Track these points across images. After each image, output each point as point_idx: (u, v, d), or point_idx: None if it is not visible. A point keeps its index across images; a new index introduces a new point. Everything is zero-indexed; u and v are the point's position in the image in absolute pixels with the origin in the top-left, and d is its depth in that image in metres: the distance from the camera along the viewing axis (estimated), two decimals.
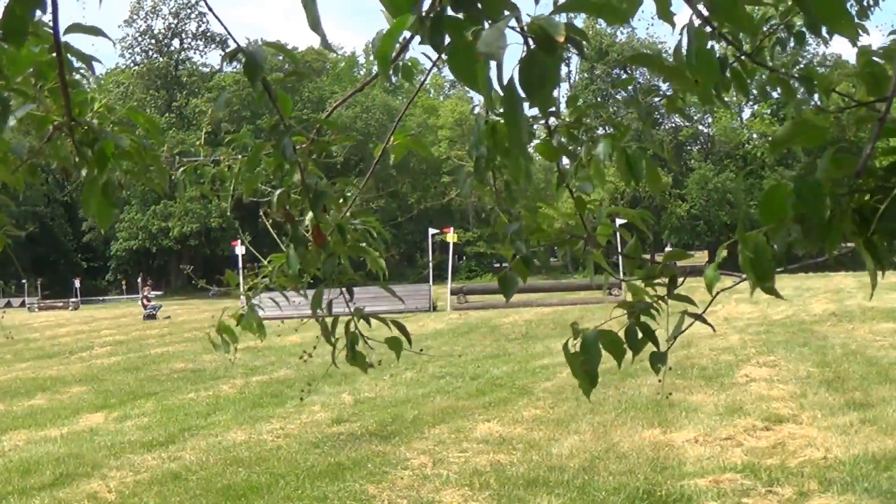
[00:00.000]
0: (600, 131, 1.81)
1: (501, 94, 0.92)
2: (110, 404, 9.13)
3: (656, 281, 1.53)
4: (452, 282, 23.43)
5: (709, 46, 1.77)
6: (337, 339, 1.81)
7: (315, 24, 1.17)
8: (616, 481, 5.08)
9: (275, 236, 1.97)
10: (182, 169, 1.99)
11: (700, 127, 54.59)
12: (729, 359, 9.72)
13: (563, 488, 5.01)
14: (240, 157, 2.00)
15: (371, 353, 1.89)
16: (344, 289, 1.82)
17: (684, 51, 1.26)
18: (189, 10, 60.56)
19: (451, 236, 22.91)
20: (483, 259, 52.79)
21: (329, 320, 1.82)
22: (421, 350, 2.34)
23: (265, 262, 1.99)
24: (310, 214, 1.73)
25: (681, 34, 1.33)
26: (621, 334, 1.49)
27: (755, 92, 1.97)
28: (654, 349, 1.54)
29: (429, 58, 1.25)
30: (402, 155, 1.97)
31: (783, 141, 1.05)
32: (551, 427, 6.65)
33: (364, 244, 1.94)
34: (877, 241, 1.01)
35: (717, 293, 1.41)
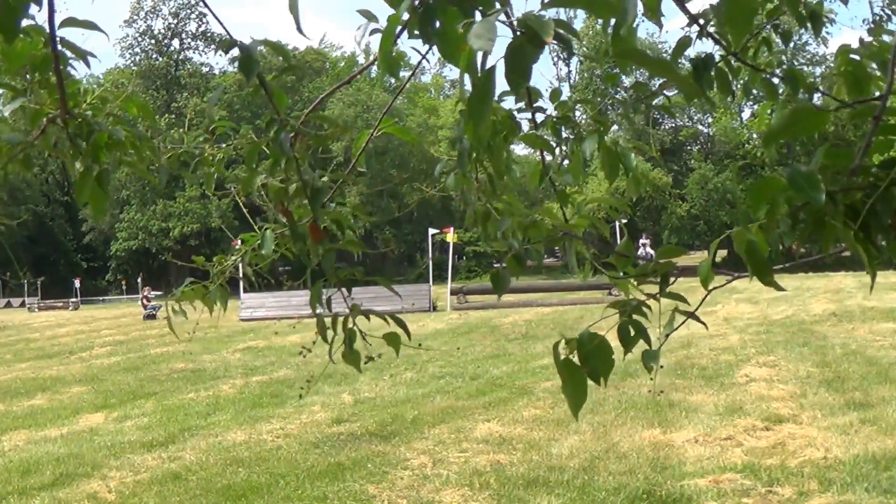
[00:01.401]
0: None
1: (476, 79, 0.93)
2: (110, 404, 9.13)
3: (649, 279, 1.53)
4: (452, 282, 23.42)
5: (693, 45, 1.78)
6: (334, 336, 1.81)
7: (293, 6, 1.20)
8: (616, 481, 5.08)
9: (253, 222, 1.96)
10: (167, 157, 1.99)
11: (700, 127, 54.59)
12: (729, 359, 9.71)
13: (563, 488, 5.01)
14: (223, 145, 2.00)
15: (370, 350, 1.89)
16: (343, 290, 1.82)
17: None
18: (189, 11, 60.60)
19: (451, 236, 22.89)
20: (483, 259, 52.78)
21: (328, 318, 1.81)
22: (420, 345, 2.34)
23: (237, 242, 1.98)
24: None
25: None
26: (613, 335, 1.49)
27: (743, 93, 1.97)
28: (647, 347, 1.54)
29: (418, 52, 1.25)
30: (363, 148, 1.97)
31: (780, 131, 1.04)
32: (551, 427, 6.65)
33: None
34: (873, 234, 1.01)
35: (710, 290, 1.40)
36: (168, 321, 1.99)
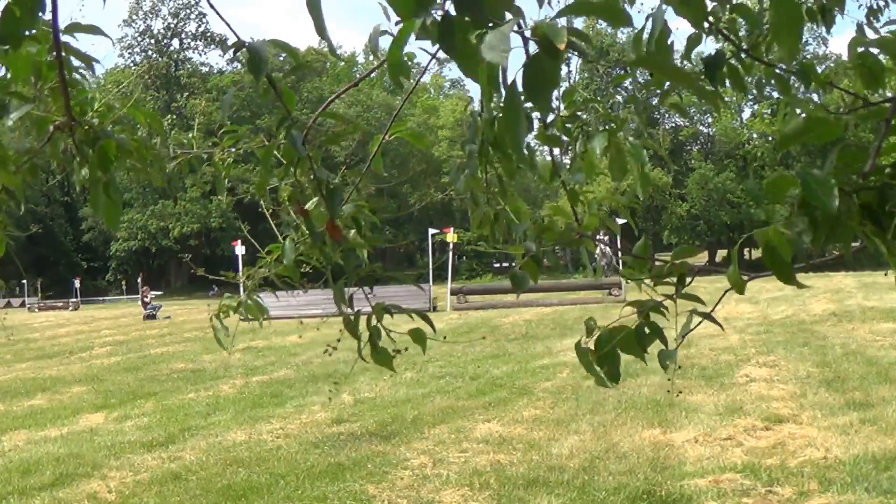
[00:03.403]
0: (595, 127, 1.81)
1: (503, 94, 0.92)
2: (110, 404, 9.13)
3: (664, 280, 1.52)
4: (452, 282, 23.43)
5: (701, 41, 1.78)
6: (360, 332, 1.81)
7: (321, 30, 1.17)
8: (616, 481, 5.08)
9: (276, 233, 1.97)
10: (176, 161, 1.99)
11: (700, 127, 54.59)
12: (729, 359, 9.71)
13: (563, 488, 5.01)
14: (233, 150, 2.00)
15: (394, 346, 1.88)
16: (362, 284, 1.82)
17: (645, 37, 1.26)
18: (188, 11, 60.63)
19: (451, 236, 22.90)
20: (483, 259, 52.76)
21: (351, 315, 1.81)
22: (444, 338, 2.33)
23: (263, 252, 1.99)
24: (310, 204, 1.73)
25: (645, 22, 1.33)
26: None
27: (755, 91, 1.97)
28: (663, 347, 1.53)
29: (427, 52, 1.25)
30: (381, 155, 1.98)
31: (794, 136, 1.04)
32: (551, 427, 6.65)
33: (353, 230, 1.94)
34: (890, 233, 1.00)
35: (725, 292, 1.41)
36: (214, 333, 2.01)
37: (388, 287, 21.90)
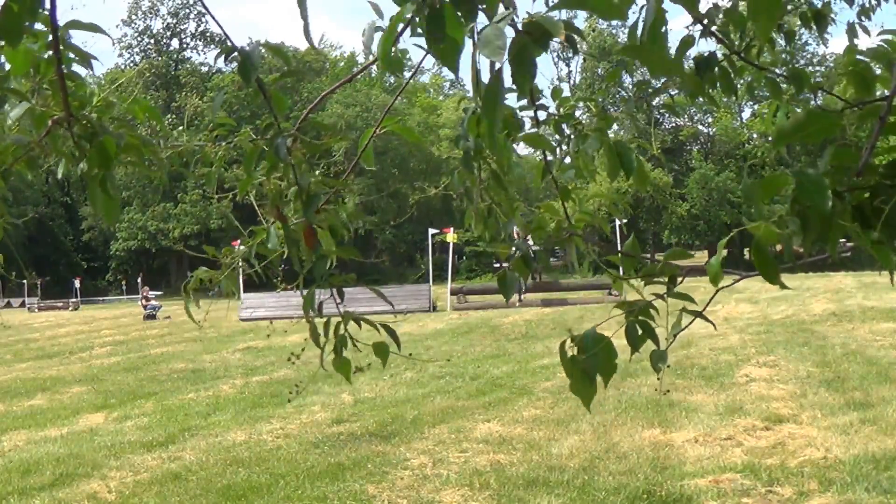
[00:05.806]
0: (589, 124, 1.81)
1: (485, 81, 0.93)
2: (110, 404, 9.13)
3: (656, 279, 1.52)
4: (452, 282, 23.42)
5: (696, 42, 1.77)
6: (326, 341, 1.81)
7: (306, 30, 1.19)
8: (616, 481, 5.08)
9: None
10: (169, 154, 1.99)
11: (700, 127, 54.57)
12: (729, 359, 9.71)
13: (563, 488, 5.01)
14: (223, 143, 2.01)
15: (361, 357, 1.88)
16: (334, 291, 1.82)
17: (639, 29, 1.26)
18: (188, 10, 60.62)
19: (451, 236, 22.88)
20: (483, 259, 52.74)
21: (321, 322, 1.81)
22: (410, 354, 2.34)
23: (245, 234, 1.99)
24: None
25: (638, 12, 1.32)
26: (620, 334, 1.48)
27: (746, 92, 1.96)
28: (654, 347, 1.53)
29: (421, 47, 1.25)
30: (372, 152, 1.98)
31: (791, 133, 1.03)
32: (551, 427, 6.65)
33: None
34: (883, 239, 1.01)
35: (717, 290, 1.40)
36: (186, 308, 2.02)
37: (386, 288, 21.84)
